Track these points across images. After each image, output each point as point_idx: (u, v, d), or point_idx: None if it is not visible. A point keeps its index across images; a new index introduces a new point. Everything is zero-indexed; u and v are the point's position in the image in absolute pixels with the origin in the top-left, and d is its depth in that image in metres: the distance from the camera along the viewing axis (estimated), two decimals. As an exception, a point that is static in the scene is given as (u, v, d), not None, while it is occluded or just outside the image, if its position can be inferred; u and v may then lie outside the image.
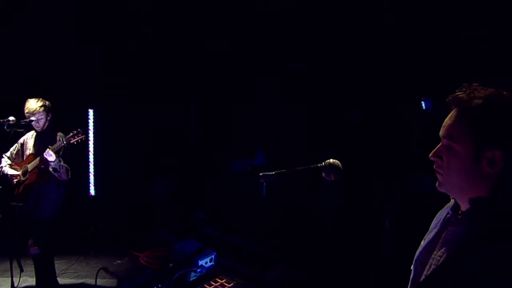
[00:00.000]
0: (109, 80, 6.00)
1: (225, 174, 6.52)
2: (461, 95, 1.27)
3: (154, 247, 5.30)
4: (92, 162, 5.72)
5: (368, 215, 5.28)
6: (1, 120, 3.78)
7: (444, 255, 1.32)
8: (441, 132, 1.33)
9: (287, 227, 5.62)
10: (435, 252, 1.37)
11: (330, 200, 5.91)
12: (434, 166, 1.37)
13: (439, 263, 1.32)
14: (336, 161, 1.72)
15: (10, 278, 3.88)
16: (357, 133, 6.02)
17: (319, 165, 1.73)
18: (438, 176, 1.36)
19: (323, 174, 1.73)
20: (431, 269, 1.36)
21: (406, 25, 5.32)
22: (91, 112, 5.63)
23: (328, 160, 1.72)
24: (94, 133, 5.69)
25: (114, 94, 6.06)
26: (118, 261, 5.25)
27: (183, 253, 2.49)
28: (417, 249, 1.50)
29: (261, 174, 1.84)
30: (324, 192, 6.02)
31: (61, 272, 4.96)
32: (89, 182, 5.75)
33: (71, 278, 4.94)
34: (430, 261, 1.37)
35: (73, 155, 4.21)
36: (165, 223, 5.76)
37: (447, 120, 1.31)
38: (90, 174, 5.74)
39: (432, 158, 1.36)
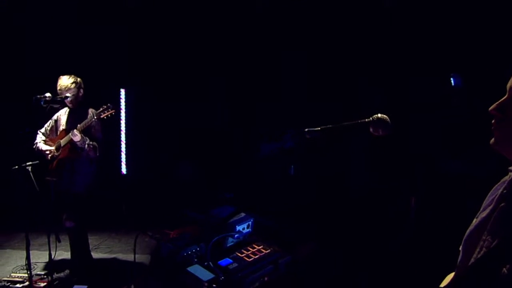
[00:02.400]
0: (141, 61, 6.04)
1: (253, 156, 6.51)
2: None
3: (183, 225, 5.35)
4: (124, 141, 5.79)
5: (395, 192, 5.21)
6: (38, 96, 3.86)
7: (497, 238, 1.16)
8: (510, 83, 1.14)
9: (315, 205, 5.60)
10: (486, 233, 1.22)
11: (360, 178, 5.86)
12: (492, 121, 1.19)
13: (491, 246, 1.17)
14: (384, 115, 1.68)
15: (47, 252, 3.96)
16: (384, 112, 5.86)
17: (366, 120, 1.69)
18: (495, 133, 1.19)
19: (371, 129, 1.68)
20: (481, 252, 1.21)
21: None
22: (123, 92, 5.70)
23: (376, 115, 1.68)
24: (126, 113, 5.76)
25: (146, 74, 6.10)
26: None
27: (220, 218, 2.51)
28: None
29: (306, 129, 1.80)
30: (353, 171, 5.97)
31: (94, 247, 5.08)
32: (121, 161, 5.84)
33: (104, 253, 5.05)
34: (481, 243, 1.22)
35: (106, 134, 4.28)
36: (194, 202, 5.81)
37: None
38: (122, 153, 5.82)
39: (492, 112, 1.18)
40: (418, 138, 5.51)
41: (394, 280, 3.78)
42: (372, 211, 5.31)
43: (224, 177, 6.27)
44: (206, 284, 2.13)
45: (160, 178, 6.15)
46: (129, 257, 4.94)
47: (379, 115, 1.67)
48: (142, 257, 4.74)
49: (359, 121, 1.70)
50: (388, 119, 1.66)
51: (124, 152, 5.84)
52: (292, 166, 6.56)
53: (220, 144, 6.53)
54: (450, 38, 5.38)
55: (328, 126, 1.75)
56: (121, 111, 5.73)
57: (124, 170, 5.87)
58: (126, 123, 5.78)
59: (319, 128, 1.77)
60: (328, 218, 5.29)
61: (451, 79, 5.75)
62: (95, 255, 4.76)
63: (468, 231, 1.35)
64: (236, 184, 5.99)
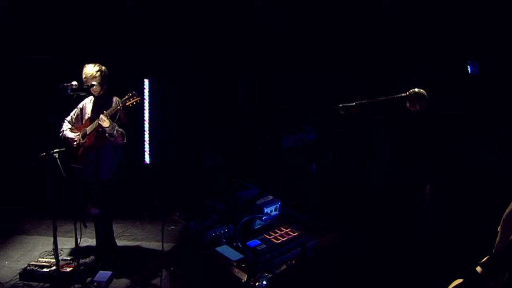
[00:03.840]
0: (165, 51, 6.07)
1: (275, 148, 6.48)
2: None
3: (206, 215, 5.36)
4: (148, 131, 5.82)
5: (411, 181, 5.13)
6: (65, 84, 3.90)
7: None
8: None
9: (337, 197, 5.56)
10: None
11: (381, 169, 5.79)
12: None
13: None
14: (422, 90, 1.64)
15: (72, 238, 4.04)
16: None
17: (403, 94, 1.65)
18: None
19: (408, 104, 1.64)
20: None
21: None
22: (146, 82, 5.72)
23: (413, 89, 1.64)
24: (149, 103, 5.78)
25: (170, 65, 6.11)
26: (172, 227, 5.35)
27: (246, 199, 2.51)
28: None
29: (340, 105, 1.77)
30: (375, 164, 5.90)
31: (118, 235, 5.14)
32: (144, 151, 5.88)
33: (128, 241, 5.13)
34: None
35: (130, 124, 4.31)
36: (216, 193, 5.81)
37: None
38: (146, 143, 5.86)
39: None
40: (439, 126, 5.39)
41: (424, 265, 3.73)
42: (394, 202, 5.25)
43: (248, 168, 6.26)
44: (235, 264, 2.12)
45: (182, 168, 6.16)
46: (152, 245, 5.00)
47: (416, 89, 1.63)
48: (165, 245, 4.76)
49: (396, 95, 1.66)
50: (426, 93, 1.62)
51: (148, 142, 5.87)
52: (314, 164, 6.52)
53: (244, 135, 6.51)
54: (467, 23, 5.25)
55: (363, 101, 1.72)
56: (145, 101, 5.76)
57: (147, 160, 5.91)
58: (149, 113, 5.82)
59: (353, 104, 1.73)
60: (350, 209, 5.26)
61: (468, 66, 5.60)
62: (119, 242, 4.82)
63: (507, 210, 1.36)
64: (260, 175, 5.97)
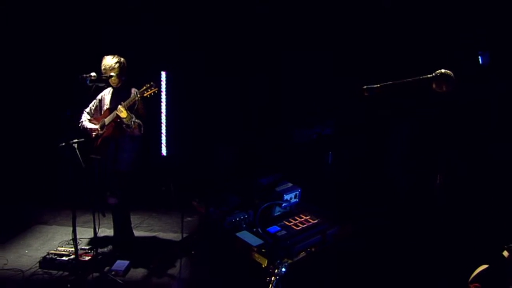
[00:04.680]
0: (183, 44, 6.07)
1: (290, 142, 6.46)
2: None
3: (225, 201, 5.36)
4: (164, 123, 5.85)
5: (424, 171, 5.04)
6: (84, 75, 3.93)
7: None
8: None
9: (353, 190, 5.52)
10: None
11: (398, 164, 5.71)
12: None
13: None
14: (448, 71, 1.61)
15: (91, 228, 4.09)
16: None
17: (429, 76, 1.62)
18: None
19: (434, 86, 1.61)
20: None
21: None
22: (163, 74, 5.74)
23: (440, 70, 1.61)
24: (166, 95, 5.80)
25: (187, 58, 6.12)
26: (189, 218, 5.39)
27: (266, 185, 2.50)
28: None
29: (365, 87, 1.75)
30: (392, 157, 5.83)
31: (136, 226, 5.20)
32: (161, 143, 5.90)
33: (145, 231, 5.17)
34: None
35: (147, 115, 4.33)
36: (231, 185, 5.82)
37: None
38: (162, 135, 5.88)
39: None
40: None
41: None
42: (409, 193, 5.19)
43: (261, 163, 6.25)
44: (255, 249, 2.12)
45: (198, 161, 6.17)
46: (169, 235, 5.03)
47: (443, 70, 1.60)
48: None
49: (421, 77, 1.63)
50: (452, 74, 1.59)
51: (165, 134, 5.89)
52: (330, 153, 6.47)
53: (258, 128, 6.50)
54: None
55: (388, 82, 1.69)
56: (162, 93, 5.78)
57: (164, 151, 5.94)
58: (166, 106, 5.84)
59: (378, 85, 1.71)
60: (366, 201, 5.21)
61: (479, 57, 5.47)
62: (136, 233, 4.87)
63: None
64: (275, 168, 5.95)
